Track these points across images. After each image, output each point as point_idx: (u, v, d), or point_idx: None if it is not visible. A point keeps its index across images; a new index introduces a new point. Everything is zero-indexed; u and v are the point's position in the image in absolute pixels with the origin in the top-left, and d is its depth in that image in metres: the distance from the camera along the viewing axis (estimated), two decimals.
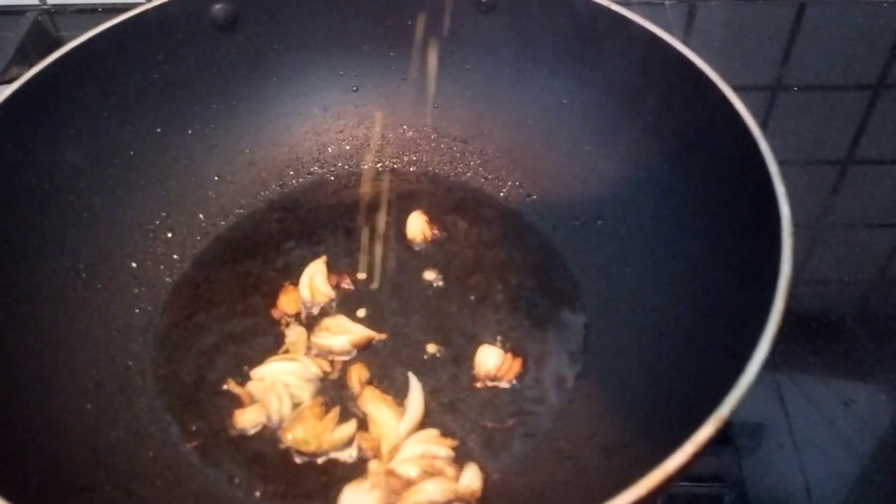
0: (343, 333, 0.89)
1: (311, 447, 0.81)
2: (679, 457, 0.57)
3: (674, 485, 0.63)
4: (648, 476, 0.56)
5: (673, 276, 0.85)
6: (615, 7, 0.92)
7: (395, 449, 0.80)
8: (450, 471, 0.78)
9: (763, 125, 1.23)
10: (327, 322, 0.91)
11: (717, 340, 0.73)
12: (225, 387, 0.87)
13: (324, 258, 0.97)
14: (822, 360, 0.97)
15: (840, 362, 0.96)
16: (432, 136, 1.09)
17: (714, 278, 0.79)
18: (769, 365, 0.92)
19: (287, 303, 0.93)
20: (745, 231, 0.77)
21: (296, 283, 0.95)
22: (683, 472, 0.58)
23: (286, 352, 0.89)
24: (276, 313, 0.93)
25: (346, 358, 0.89)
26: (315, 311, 0.93)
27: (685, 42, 1.33)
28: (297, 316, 0.93)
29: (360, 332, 0.89)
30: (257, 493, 0.79)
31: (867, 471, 0.87)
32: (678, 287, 0.83)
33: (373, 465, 0.79)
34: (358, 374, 0.86)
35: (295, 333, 0.90)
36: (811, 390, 0.94)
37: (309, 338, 0.90)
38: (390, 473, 0.77)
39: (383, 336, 0.90)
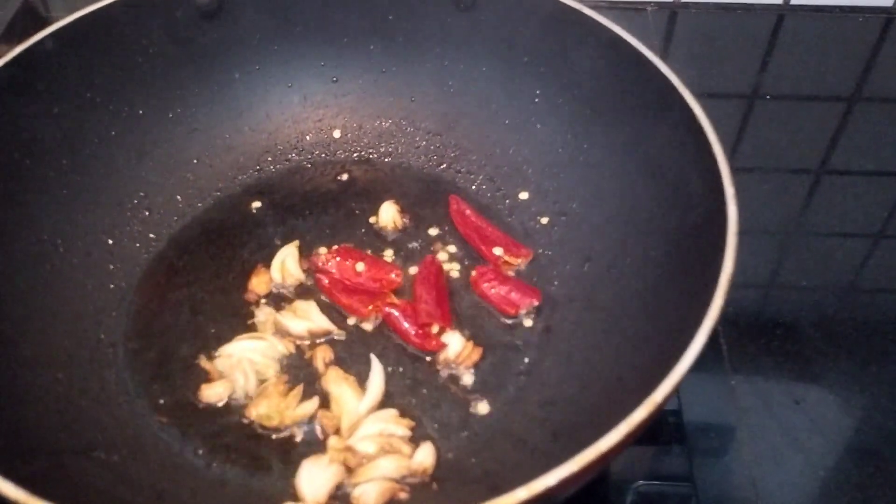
0: (305, 320, 0.91)
1: (274, 422, 0.83)
2: (612, 437, 0.60)
3: (611, 461, 0.66)
4: (583, 453, 0.59)
5: (628, 274, 0.88)
6: (586, 10, 0.95)
7: (355, 426, 0.83)
8: (406, 449, 0.81)
9: (738, 133, 1.27)
10: (297, 305, 0.94)
11: (662, 334, 0.76)
12: (196, 362, 0.89)
13: (296, 242, 1.00)
14: (776, 361, 1.00)
15: (793, 363, 1.00)
16: (408, 129, 1.12)
17: (665, 276, 0.83)
18: (725, 367, 0.97)
19: (258, 283, 0.96)
20: (697, 230, 0.80)
21: (268, 265, 0.98)
22: (617, 452, 0.62)
23: (254, 330, 0.92)
24: (247, 294, 0.96)
25: (307, 342, 0.91)
26: (285, 292, 0.96)
27: (665, 48, 1.38)
28: (267, 296, 0.96)
29: (321, 323, 0.92)
30: (218, 465, 0.82)
31: (814, 467, 0.91)
32: (632, 284, 0.87)
33: (332, 442, 0.82)
34: (323, 354, 0.89)
35: (263, 314, 0.93)
36: (764, 390, 0.97)
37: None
38: (348, 450, 0.80)
39: (341, 333, 0.92)
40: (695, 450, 0.90)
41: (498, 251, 0.98)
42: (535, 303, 0.93)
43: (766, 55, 1.37)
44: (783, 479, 0.89)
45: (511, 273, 0.98)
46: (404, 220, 1.04)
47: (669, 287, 0.81)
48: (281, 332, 0.91)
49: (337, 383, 0.86)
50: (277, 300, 0.96)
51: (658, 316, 0.80)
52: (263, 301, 0.95)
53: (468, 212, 1.02)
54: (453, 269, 0.99)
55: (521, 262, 0.98)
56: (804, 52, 1.39)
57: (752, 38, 1.40)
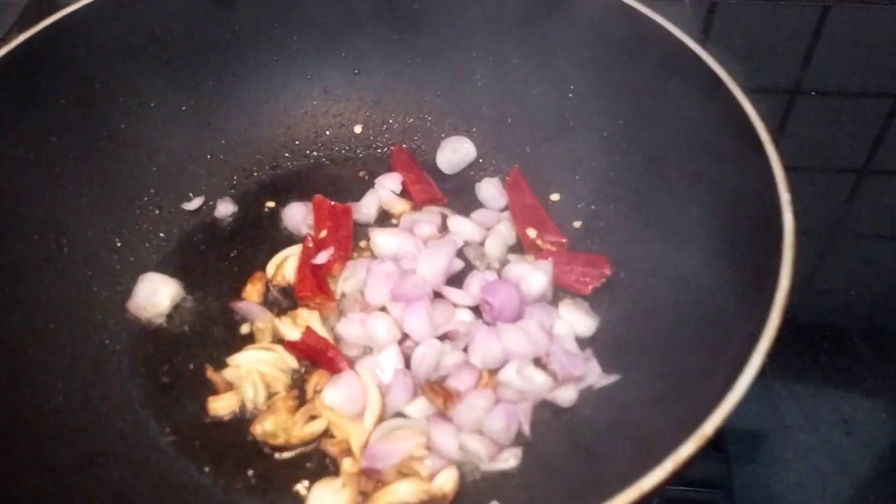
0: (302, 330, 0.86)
1: (280, 441, 0.78)
2: (657, 474, 0.54)
3: (657, 495, 0.60)
4: (624, 492, 0.53)
5: (667, 284, 0.82)
6: (630, 1, 0.88)
7: (366, 444, 0.77)
8: (423, 471, 0.75)
9: (779, 129, 1.21)
10: (299, 312, 0.88)
11: (706, 353, 0.69)
12: (203, 371, 0.84)
13: (301, 245, 0.94)
14: (822, 374, 0.93)
15: (840, 378, 0.93)
16: (433, 125, 1.06)
17: (709, 288, 0.76)
18: (765, 374, 0.90)
19: (251, 291, 0.91)
20: (747, 239, 0.74)
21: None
22: (663, 487, 0.55)
23: (252, 337, 0.87)
24: (234, 304, 0.90)
25: None
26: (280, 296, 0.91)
27: (704, 40, 1.32)
28: (262, 302, 0.90)
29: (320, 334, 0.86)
30: (225, 485, 0.77)
31: (862, 492, 0.84)
32: (671, 296, 0.80)
33: (346, 464, 0.76)
34: (317, 381, 0.83)
35: (263, 320, 0.88)
36: (809, 405, 0.91)
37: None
38: (363, 473, 0.75)
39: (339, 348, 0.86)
40: (734, 461, 0.85)
41: (532, 233, 0.94)
42: (607, 273, 0.89)
43: (810, 49, 1.31)
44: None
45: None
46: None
47: (714, 301, 0.74)
48: (278, 340, 0.86)
49: (328, 411, 0.80)
50: (285, 303, 0.91)
51: (700, 332, 0.74)
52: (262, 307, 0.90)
53: (523, 185, 0.99)
54: None
55: (550, 246, 0.93)
56: (851, 45, 1.32)
57: (796, 32, 1.34)
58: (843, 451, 0.87)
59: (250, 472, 0.77)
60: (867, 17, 1.35)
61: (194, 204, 0.99)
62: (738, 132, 0.77)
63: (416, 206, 0.99)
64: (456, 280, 0.91)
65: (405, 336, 0.85)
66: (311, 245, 0.93)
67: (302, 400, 0.82)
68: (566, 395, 0.80)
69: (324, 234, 0.94)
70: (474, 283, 0.89)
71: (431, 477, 0.75)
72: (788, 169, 1.12)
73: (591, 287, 0.88)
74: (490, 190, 0.99)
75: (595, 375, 0.81)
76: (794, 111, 1.24)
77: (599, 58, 0.93)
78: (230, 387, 0.82)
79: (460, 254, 0.93)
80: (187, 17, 0.97)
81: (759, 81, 1.26)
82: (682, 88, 0.86)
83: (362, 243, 0.96)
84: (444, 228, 0.96)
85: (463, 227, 0.95)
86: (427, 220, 0.96)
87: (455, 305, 0.88)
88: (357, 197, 1.00)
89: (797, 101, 1.25)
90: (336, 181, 1.03)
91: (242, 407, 0.81)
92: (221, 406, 0.81)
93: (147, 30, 0.96)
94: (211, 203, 1.00)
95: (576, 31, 0.94)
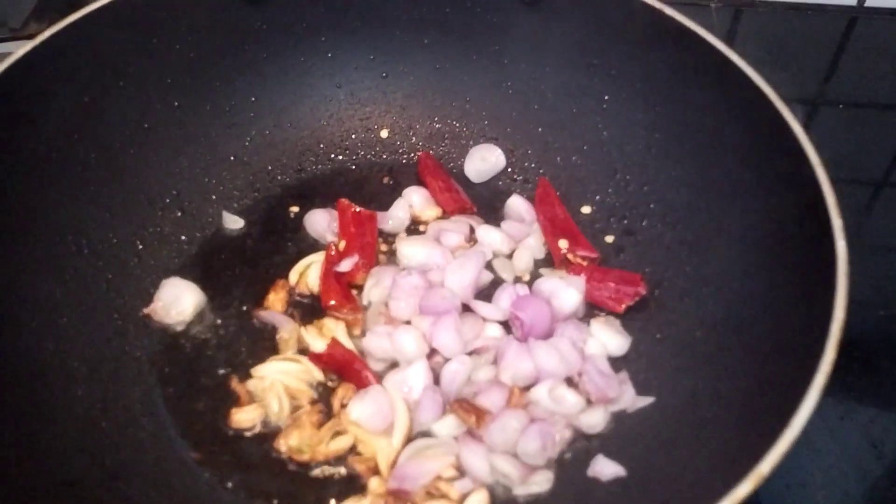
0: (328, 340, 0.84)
1: (305, 457, 0.76)
2: None
3: None
4: None
5: (704, 305, 0.80)
6: (668, 10, 0.86)
7: (393, 463, 0.75)
8: (453, 493, 0.73)
9: None
10: (324, 322, 0.86)
11: (755, 387, 0.67)
12: (227, 382, 0.82)
13: (325, 252, 0.92)
14: (851, 396, 0.91)
15: (870, 400, 0.91)
16: (461, 132, 1.04)
17: (749, 311, 0.74)
18: None
19: (274, 300, 0.88)
20: (793, 263, 0.72)
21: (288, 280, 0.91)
22: None
23: (278, 348, 0.85)
24: (258, 312, 0.88)
25: None
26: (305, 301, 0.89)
27: (728, 46, 1.30)
28: (285, 311, 0.88)
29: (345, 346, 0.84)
30: (250, 500, 0.75)
31: None
32: (708, 318, 0.79)
33: (373, 483, 0.74)
34: (343, 394, 0.81)
35: (287, 330, 0.85)
36: (837, 427, 0.89)
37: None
38: (390, 493, 0.73)
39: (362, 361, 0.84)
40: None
41: (563, 244, 0.92)
42: (641, 291, 0.86)
43: (836, 59, 1.29)
44: None
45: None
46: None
47: (755, 328, 0.72)
48: (303, 350, 0.84)
49: (355, 426, 0.78)
50: (311, 311, 0.88)
51: (740, 360, 0.72)
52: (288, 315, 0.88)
53: (553, 197, 0.97)
54: None
55: (582, 261, 0.91)
56: (876, 57, 1.30)
57: (821, 41, 1.31)
58: (872, 475, 0.86)
59: (274, 489, 0.75)
60: (894, 29, 1.33)
61: (217, 207, 0.97)
62: (784, 151, 0.75)
63: (446, 214, 0.97)
64: (483, 294, 0.89)
65: (433, 351, 0.83)
66: (333, 253, 0.91)
67: (327, 414, 0.79)
68: (593, 420, 0.78)
69: (342, 244, 0.92)
70: (504, 297, 0.87)
71: (461, 499, 0.73)
72: None
73: (624, 305, 0.86)
74: (519, 207, 0.96)
75: (629, 398, 0.78)
76: (817, 121, 1.22)
77: (637, 69, 0.91)
78: (254, 398, 0.80)
79: (487, 266, 0.91)
80: (214, 15, 0.95)
81: (783, 90, 1.23)
82: (722, 101, 0.84)
83: (384, 247, 0.94)
84: (471, 238, 0.94)
85: (492, 238, 0.93)
86: (455, 229, 0.93)
87: (484, 320, 0.86)
88: (382, 203, 0.98)
89: (821, 110, 1.23)
90: (361, 186, 1.01)
91: (266, 420, 0.79)
92: (245, 418, 0.79)
93: (173, 27, 0.93)
94: (235, 206, 0.97)
95: (613, 42, 0.92)
